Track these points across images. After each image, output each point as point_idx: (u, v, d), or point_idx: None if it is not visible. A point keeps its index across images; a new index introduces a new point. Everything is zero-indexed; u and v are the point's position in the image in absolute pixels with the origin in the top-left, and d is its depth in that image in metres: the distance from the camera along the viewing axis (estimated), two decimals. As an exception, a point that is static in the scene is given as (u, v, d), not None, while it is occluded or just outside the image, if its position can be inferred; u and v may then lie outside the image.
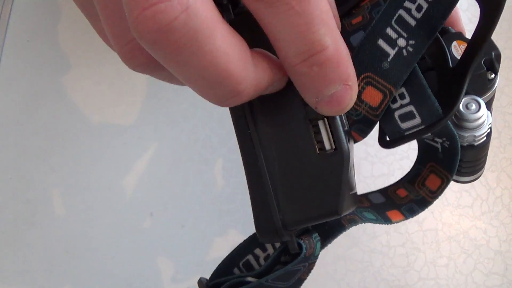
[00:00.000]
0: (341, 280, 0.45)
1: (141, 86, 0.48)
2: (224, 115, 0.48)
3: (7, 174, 0.45)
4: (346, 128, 0.18)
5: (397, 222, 0.22)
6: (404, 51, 0.19)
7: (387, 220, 0.22)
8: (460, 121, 0.22)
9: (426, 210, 0.48)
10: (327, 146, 0.18)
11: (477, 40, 0.19)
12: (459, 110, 0.22)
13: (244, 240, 0.23)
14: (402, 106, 0.20)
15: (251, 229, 0.49)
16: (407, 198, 0.23)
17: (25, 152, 0.46)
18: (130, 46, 0.14)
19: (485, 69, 0.22)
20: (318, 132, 0.18)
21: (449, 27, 0.23)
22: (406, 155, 0.48)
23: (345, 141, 0.18)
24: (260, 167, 0.19)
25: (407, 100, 0.20)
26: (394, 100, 0.20)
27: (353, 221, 0.22)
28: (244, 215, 0.46)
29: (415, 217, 0.47)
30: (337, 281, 0.45)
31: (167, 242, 0.45)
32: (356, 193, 0.20)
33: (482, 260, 0.47)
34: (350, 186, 0.18)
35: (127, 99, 0.48)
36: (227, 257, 0.23)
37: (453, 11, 0.20)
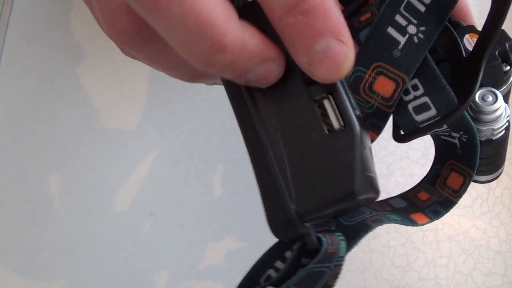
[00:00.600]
0: (341, 280, 0.45)
1: (141, 86, 0.48)
2: (224, 115, 0.48)
3: (7, 174, 0.45)
4: (358, 112, 0.17)
5: (423, 224, 0.21)
6: (415, 38, 0.19)
7: (413, 222, 0.21)
8: (477, 114, 0.21)
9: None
10: (336, 125, 0.16)
11: (490, 26, 0.18)
12: (475, 102, 0.21)
13: (263, 255, 0.21)
14: (416, 97, 0.19)
15: (251, 229, 0.49)
16: (429, 200, 0.22)
17: (25, 152, 0.46)
18: (113, 15, 0.15)
19: (500, 60, 0.22)
20: (324, 113, 0.17)
21: (461, 20, 0.23)
22: (406, 155, 0.48)
23: (354, 117, 0.16)
24: (266, 156, 0.17)
25: (421, 91, 0.19)
26: (407, 92, 0.20)
27: (378, 221, 0.21)
28: (244, 215, 0.46)
29: (415, 217, 0.47)
30: (337, 281, 0.45)
31: (167, 242, 0.45)
32: (376, 178, 0.18)
33: (482, 260, 0.47)
34: (367, 167, 0.17)
35: (128, 99, 0.48)
36: (246, 275, 0.20)
37: (464, 5, 0.20)
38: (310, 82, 0.16)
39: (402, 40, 0.19)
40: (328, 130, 0.16)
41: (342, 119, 0.16)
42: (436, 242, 0.47)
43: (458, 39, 0.20)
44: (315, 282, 0.18)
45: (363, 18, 0.22)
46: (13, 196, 0.45)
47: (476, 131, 0.20)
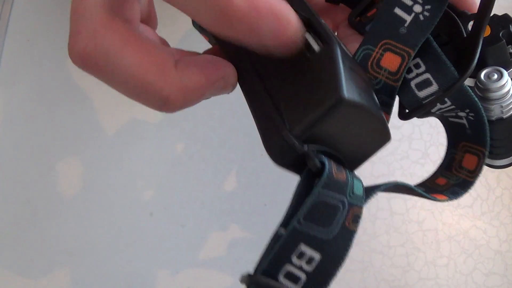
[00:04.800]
0: (341, 280, 0.45)
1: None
2: (224, 115, 0.48)
3: (7, 174, 0.45)
4: (337, 39, 0.18)
5: (443, 201, 0.22)
6: (421, 16, 0.19)
7: (434, 198, 0.22)
8: (485, 92, 0.22)
9: (426, 210, 0.48)
10: (316, 47, 0.17)
11: (484, 3, 0.19)
12: (481, 81, 0.22)
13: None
14: (418, 75, 0.20)
15: (251, 229, 0.49)
16: (447, 185, 0.22)
17: (25, 152, 0.46)
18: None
19: (504, 41, 0.22)
20: (307, 42, 0.17)
21: (465, 10, 0.24)
22: (406, 155, 0.48)
23: (331, 36, 0.17)
24: (258, 88, 0.18)
25: (422, 68, 0.20)
26: (410, 70, 0.20)
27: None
28: (244, 215, 0.46)
29: (415, 217, 0.47)
30: (337, 281, 0.45)
31: (167, 242, 0.45)
32: (373, 99, 0.18)
33: (482, 260, 0.47)
34: (357, 84, 0.17)
35: (127, 99, 0.48)
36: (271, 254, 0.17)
37: None
38: None
39: (408, 18, 0.20)
40: (312, 54, 0.17)
41: (321, 41, 0.17)
42: (436, 242, 0.47)
43: (458, 21, 0.21)
44: (328, 218, 0.16)
45: (369, 14, 0.22)
46: (13, 196, 0.45)
47: (481, 107, 0.20)
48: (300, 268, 0.16)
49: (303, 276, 0.16)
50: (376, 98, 0.19)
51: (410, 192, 0.22)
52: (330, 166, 0.17)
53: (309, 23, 0.18)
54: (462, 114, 0.21)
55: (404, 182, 0.22)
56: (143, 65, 0.16)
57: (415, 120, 0.52)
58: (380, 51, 0.20)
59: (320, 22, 0.18)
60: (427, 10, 0.19)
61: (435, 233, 0.47)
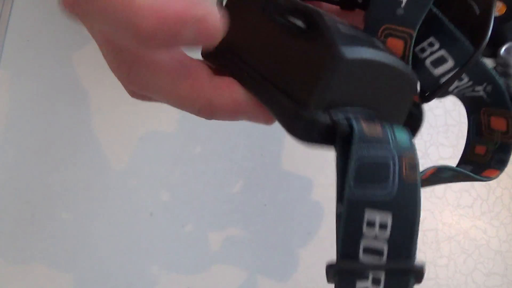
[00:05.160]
0: (341, 280, 0.45)
1: (141, 86, 0.48)
2: (224, 115, 0.48)
3: (7, 174, 0.45)
4: (345, 24, 0.18)
5: (496, 177, 0.21)
6: None
7: (488, 178, 0.21)
8: (507, 68, 0.22)
9: (426, 210, 0.48)
10: (300, 23, 0.17)
11: None
12: (501, 56, 0.22)
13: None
14: (432, 53, 0.20)
15: (251, 229, 0.49)
16: (488, 153, 0.21)
17: (25, 152, 0.46)
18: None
19: None
20: (289, 23, 0.17)
21: None
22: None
23: (310, 8, 0.17)
24: (258, 81, 0.18)
25: (436, 46, 0.20)
26: (423, 50, 0.20)
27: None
28: (244, 215, 0.46)
29: (415, 217, 0.47)
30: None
31: (167, 242, 0.45)
32: (377, 47, 0.18)
33: (482, 260, 0.47)
34: (352, 39, 0.17)
35: (127, 99, 0.48)
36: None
37: None
38: (274, 11, 0.17)
39: None
40: (299, 32, 0.17)
41: (304, 18, 0.17)
42: (436, 242, 0.47)
43: (469, 1, 0.21)
44: (381, 175, 0.15)
45: None
46: (13, 196, 0.45)
47: (499, 78, 0.20)
48: (376, 238, 0.15)
49: (384, 246, 0.15)
50: (386, 50, 0.19)
51: (460, 179, 0.21)
52: (359, 124, 0.16)
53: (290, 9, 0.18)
54: (479, 88, 0.21)
55: (448, 165, 0.21)
56: (177, 81, 0.18)
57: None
58: (382, 37, 0.19)
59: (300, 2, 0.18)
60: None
61: (435, 233, 0.47)
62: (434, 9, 0.20)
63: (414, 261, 0.15)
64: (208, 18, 0.16)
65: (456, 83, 0.20)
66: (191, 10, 0.16)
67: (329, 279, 0.15)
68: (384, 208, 0.15)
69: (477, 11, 0.20)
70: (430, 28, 0.20)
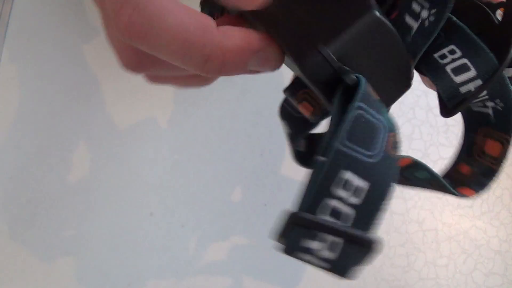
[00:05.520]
0: (341, 280, 0.45)
1: (141, 87, 0.48)
2: (224, 115, 0.48)
3: (7, 174, 0.45)
4: None
5: (471, 197, 0.21)
6: (426, 21, 0.19)
7: (463, 195, 0.21)
8: None
9: (426, 210, 0.48)
10: None
11: None
12: None
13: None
14: (454, 60, 0.19)
15: (251, 229, 0.49)
16: (472, 174, 0.21)
17: (25, 152, 0.46)
18: (120, 50, 0.19)
19: None
20: None
21: (490, 0, 0.23)
22: (406, 155, 0.48)
23: None
24: (286, 16, 0.19)
25: (458, 54, 0.19)
26: (444, 57, 0.20)
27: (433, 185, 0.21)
28: (244, 215, 0.46)
29: (415, 217, 0.48)
30: (337, 281, 0.45)
31: (167, 242, 0.45)
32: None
33: (482, 260, 0.47)
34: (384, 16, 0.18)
35: (128, 99, 0.48)
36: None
37: None
38: None
39: (415, 25, 0.19)
40: None
41: None
42: (436, 242, 0.47)
43: (488, 10, 0.20)
44: (371, 139, 0.14)
45: (392, 17, 0.22)
46: (13, 196, 0.45)
47: None
48: (346, 202, 0.14)
49: (350, 212, 0.14)
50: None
51: (435, 187, 0.21)
52: (365, 80, 0.16)
53: None
54: (490, 104, 0.20)
55: (425, 164, 0.21)
56: (185, 24, 0.17)
57: (415, 120, 0.52)
58: None
59: None
60: (433, 14, 0.19)
61: (435, 233, 0.47)
62: (454, 18, 0.19)
63: (375, 234, 0.14)
64: (267, 50, 0.18)
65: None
66: (252, 43, 0.18)
67: (282, 233, 0.14)
68: (365, 173, 0.14)
69: (496, 21, 0.20)
70: (450, 36, 0.20)
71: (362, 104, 0.15)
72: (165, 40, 0.17)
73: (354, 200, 0.14)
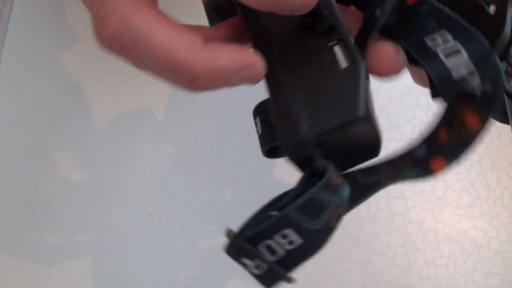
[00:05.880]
0: (341, 280, 0.45)
1: (141, 87, 0.48)
2: (224, 115, 0.48)
3: (7, 174, 0.45)
4: (362, 58, 0.20)
5: (439, 173, 0.21)
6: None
7: (429, 173, 0.21)
8: None
9: (426, 210, 0.48)
10: (344, 64, 0.19)
11: None
12: (511, 55, 0.21)
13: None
14: (445, 43, 0.20)
15: (251, 229, 0.48)
16: (448, 141, 0.21)
17: (25, 152, 0.46)
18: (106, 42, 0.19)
19: None
20: (335, 56, 0.19)
21: None
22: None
23: (359, 57, 0.19)
24: (284, 83, 0.20)
25: (450, 37, 0.20)
26: (434, 39, 0.20)
27: (393, 180, 0.22)
28: (244, 215, 0.46)
29: (415, 217, 0.48)
30: (337, 281, 0.45)
31: (167, 242, 0.45)
32: (377, 120, 0.20)
33: (482, 260, 0.47)
34: (371, 103, 0.19)
35: (127, 99, 0.48)
36: (261, 207, 0.21)
37: None
38: (322, 34, 0.20)
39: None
40: (338, 69, 0.19)
41: (350, 59, 0.19)
42: (436, 242, 0.47)
43: (481, 2, 0.20)
44: (317, 213, 0.18)
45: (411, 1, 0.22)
46: (13, 196, 0.45)
47: (503, 81, 0.20)
48: (280, 245, 0.18)
49: (281, 251, 0.19)
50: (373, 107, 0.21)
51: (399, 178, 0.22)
52: (332, 171, 0.19)
53: (343, 39, 0.20)
54: (480, 86, 0.20)
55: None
56: (174, 43, 0.17)
57: (415, 120, 0.53)
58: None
59: (351, 40, 0.20)
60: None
61: (435, 233, 0.47)
62: (447, 10, 0.20)
63: (290, 274, 0.19)
64: (253, 67, 0.19)
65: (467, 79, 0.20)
66: (240, 61, 0.18)
67: (229, 246, 0.19)
68: (302, 234, 0.18)
69: (492, 12, 0.20)
70: (442, 23, 0.20)
71: (319, 191, 0.18)
72: (151, 58, 0.17)
73: (287, 246, 0.18)
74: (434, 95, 0.21)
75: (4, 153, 0.46)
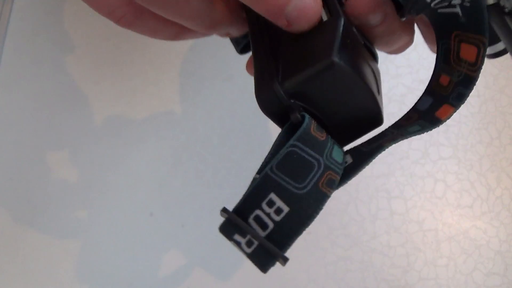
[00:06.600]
0: (341, 280, 0.45)
1: (141, 86, 0.48)
2: (224, 115, 0.48)
3: (7, 174, 0.45)
4: (357, 38, 0.19)
5: (446, 120, 0.19)
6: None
7: (436, 123, 0.19)
8: None
9: (426, 210, 0.48)
10: (324, 17, 0.19)
11: None
12: None
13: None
14: None
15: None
16: (451, 83, 0.20)
17: (25, 152, 0.46)
18: (111, 7, 0.19)
19: None
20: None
21: None
22: (406, 155, 0.48)
23: (340, 11, 0.18)
24: (265, 41, 0.20)
25: None
26: None
27: (394, 141, 0.20)
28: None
29: (415, 217, 0.47)
30: (337, 281, 0.45)
31: (167, 242, 0.45)
32: (370, 73, 0.19)
33: (482, 260, 0.47)
34: (356, 62, 0.18)
35: (127, 99, 0.48)
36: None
37: None
38: None
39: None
40: (319, 24, 0.18)
41: (330, 13, 0.19)
42: (436, 242, 0.47)
43: None
44: (301, 174, 0.17)
45: None
46: (13, 196, 0.45)
47: None
48: (268, 216, 0.17)
49: (270, 224, 0.17)
50: (376, 79, 0.19)
51: (402, 134, 0.20)
52: (310, 122, 0.17)
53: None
54: (456, 1, 0.18)
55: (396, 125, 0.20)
56: None
57: (415, 120, 0.51)
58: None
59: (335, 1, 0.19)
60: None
61: (435, 233, 0.47)
62: None
63: (284, 252, 0.17)
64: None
65: None
66: None
67: (222, 224, 0.18)
68: (288, 199, 0.17)
69: None
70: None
71: (297, 143, 0.17)
72: None
73: (274, 216, 0.17)
74: (400, 13, 0.20)
75: (4, 153, 0.46)
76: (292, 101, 0.18)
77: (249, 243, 0.17)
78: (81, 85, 0.48)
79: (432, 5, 0.19)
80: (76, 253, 0.44)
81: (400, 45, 0.23)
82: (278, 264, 0.18)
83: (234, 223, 0.18)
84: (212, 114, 0.48)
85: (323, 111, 0.19)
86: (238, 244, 0.18)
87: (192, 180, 0.46)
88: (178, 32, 0.23)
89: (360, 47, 0.19)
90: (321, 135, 0.17)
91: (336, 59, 0.16)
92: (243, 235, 0.17)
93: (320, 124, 0.18)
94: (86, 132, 0.47)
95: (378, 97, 0.19)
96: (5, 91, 0.47)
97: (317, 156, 0.17)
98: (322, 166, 0.17)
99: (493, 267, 0.47)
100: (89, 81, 0.48)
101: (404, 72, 0.52)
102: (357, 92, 0.18)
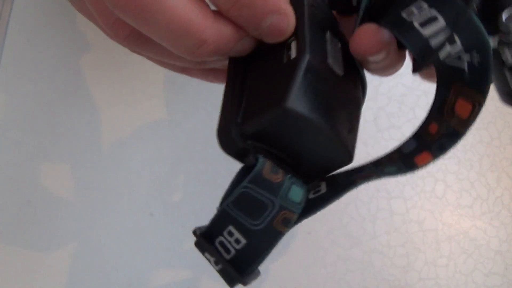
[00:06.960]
0: (341, 280, 0.45)
1: (141, 87, 0.48)
2: (224, 115, 0.48)
3: (7, 174, 0.45)
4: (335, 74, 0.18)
5: (421, 167, 0.19)
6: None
7: (412, 168, 0.20)
8: (506, 36, 0.19)
9: (426, 210, 0.48)
10: (293, 55, 0.18)
11: None
12: (501, 23, 0.19)
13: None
14: (421, 13, 0.18)
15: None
16: (438, 133, 0.20)
17: (25, 152, 0.46)
18: (114, 25, 0.19)
19: None
20: (289, 51, 0.18)
21: None
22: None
23: (307, 48, 0.18)
24: (237, 76, 0.20)
25: (425, 6, 0.18)
26: (411, 13, 0.19)
27: (367, 178, 0.20)
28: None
29: (415, 217, 0.47)
30: (337, 281, 0.45)
31: (167, 242, 0.45)
32: (339, 116, 0.18)
33: (482, 260, 0.47)
34: (320, 100, 0.17)
35: (127, 99, 0.48)
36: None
37: None
38: None
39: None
40: (287, 60, 0.18)
41: (297, 49, 0.18)
42: (436, 242, 0.47)
43: None
44: (256, 212, 0.18)
45: None
46: (13, 196, 0.45)
47: (491, 49, 0.18)
48: (230, 243, 0.18)
49: (232, 250, 0.18)
50: (351, 114, 0.19)
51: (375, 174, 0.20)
52: (263, 165, 0.18)
53: (297, 33, 0.18)
54: (465, 56, 0.19)
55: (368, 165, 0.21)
56: (188, 6, 0.17)
57: (415, 120, 0.53)
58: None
59: (305, 30, 0.18)
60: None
61: (435, 233, 0.47)
62: None
63: (245, 275, 0.18)
64: (287, 14, 0.18)
65: (448, 48, 0.18)
66: (241, 32, 0.19)
67: (195, 242, 0.19)
68: (244, 233, 0.18)
69: None
70: None
71: (249, 185, 0.18)
72: (165, 19, 0.16)
73: (235, 245, 0.18)
74: (415, 68, 0.20)
75: (4, 153, 0.46)
76: (249, 142, 0.18)
77: (216, 262, 0.19)
78: (81, 85, 0.48)
79: (442, 59, 0.19)
80: (76, 253, 0.44)
81: (393, 72, 0.23)
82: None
83: (202, 245, 0.19)
84: (212, 114, 0.48)
85: (285, 151, 0.18)
86: (209, 260, 0.19)
87: (192, 180, 0.46)
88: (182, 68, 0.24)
89: (334, 81, 0.19)
90: (276, 177, 0.18)
91: (290, 105, 0.16)
92: (211, 255, 0.19)
93: (282, 163, 0.19)
94: (86, 132, 0.47)
95: (345, 138, 0.19)
96: (5, 91, 0.47)
97: (271, 197, 0.18)
98: (277, 206, 0.18)
99: (493, 267, 0.47)
100: (89, 81, 0.48)
101: (404, 72, 0.52)
102: (317, 135, 0.18)
